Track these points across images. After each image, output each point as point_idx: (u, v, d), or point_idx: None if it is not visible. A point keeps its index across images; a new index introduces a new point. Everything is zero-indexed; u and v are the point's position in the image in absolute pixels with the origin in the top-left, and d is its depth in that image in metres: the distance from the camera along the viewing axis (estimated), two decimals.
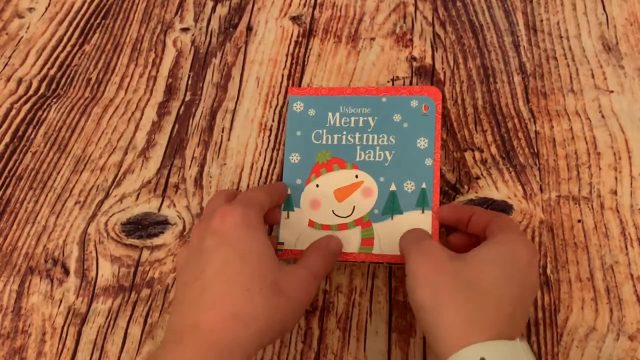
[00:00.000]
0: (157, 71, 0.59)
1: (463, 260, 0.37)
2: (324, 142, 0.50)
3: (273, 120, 0.55)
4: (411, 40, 0.59)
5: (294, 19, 0.61)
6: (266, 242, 0.38)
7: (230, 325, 0.35)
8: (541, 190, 0.50)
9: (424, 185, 0.47)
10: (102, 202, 0.52)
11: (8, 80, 0.58)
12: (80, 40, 0.61)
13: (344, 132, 0.50)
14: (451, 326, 0.35)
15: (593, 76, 0.55)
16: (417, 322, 0.45)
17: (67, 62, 0.60)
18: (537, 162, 0.51)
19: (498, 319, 0.35)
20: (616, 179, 0.50)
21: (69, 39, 0.61)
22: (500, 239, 0.39)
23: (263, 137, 0.54)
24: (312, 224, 0.48)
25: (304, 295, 0.39)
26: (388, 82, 0.56)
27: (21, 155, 0.54)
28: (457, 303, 0.35)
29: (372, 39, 0.59)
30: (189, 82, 0.58)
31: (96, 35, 0.61)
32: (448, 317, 0.35)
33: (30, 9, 0.64)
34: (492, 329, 0.34)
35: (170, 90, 0.57)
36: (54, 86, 0.58)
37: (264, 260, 0.37)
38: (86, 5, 0.63)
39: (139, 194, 0.52)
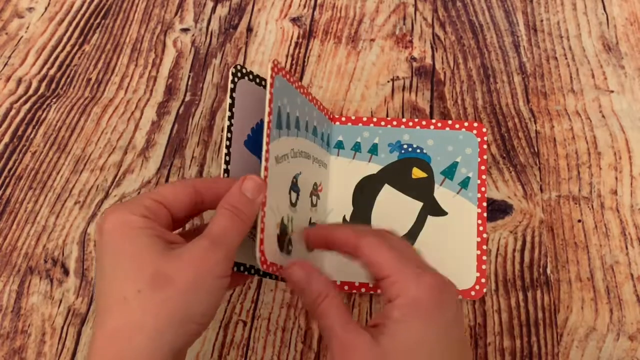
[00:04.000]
0: (157, 71, 0.59)
1: (387, 352, 0.32)
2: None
3: None
4: (411, 41, 0.59)
5: (294, 20, 0.61)
6: (146, 241, 0.33)
7: (112, 341, 0.32)
8: (541, 190, 0.50)
9: None
10: (102, 202, 0.52)
11: (8, 80, 0.58)
12: (80, 40, 0.61)
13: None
14: None
15: (593, 76, 0.55)
16: None
17: (67, 62, 0.59)
18: (538, 162, 0.51)
19: None
20: (616, 178, 0.50)
21: (69, 39, 0.61)
22: (410, 302, 0.32)
23: None
24: None
25: (204, 272, 0.33)
26: (388, 82, 0.56)
27: (21, 155, 0.54)
28: None
29: (372, 40, 0.59)
30: (189, 83, 0.58)
31: (96, 35, 0.61)
32: None
33: (30, 9, 0.64)
34: None
35: (170, 91, 0.57)
36: (53, 86, 0.58)
37: (140, 256, 0.33)
38: (86, 5, 0.63)
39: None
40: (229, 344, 0.46)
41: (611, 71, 0.55)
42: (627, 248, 0.47)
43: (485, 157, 0.49)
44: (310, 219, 0.46)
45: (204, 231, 0.34)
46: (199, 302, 0.32)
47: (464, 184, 0.48)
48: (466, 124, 0.51)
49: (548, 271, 0.47)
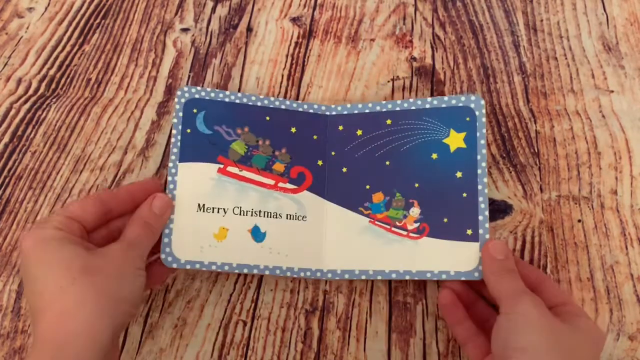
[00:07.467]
0: (157, 71, 0.59)
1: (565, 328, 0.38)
2: None
3: None
4: (411, 41, 0.59)
5: (294, 20, 0.61)
6: (67, 247, 0.38)
7: (58, 325, 0.36)
8: (541, 190, 0.50)
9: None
10: None
11: (7, 80, 0.58)
12: (80, 40, 0.61)
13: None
14: None
15: (593, 76, 0.55)
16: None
17: (66, 62, 0.59)
18: (538, 162, 0.51)
19: None
20: (616, 178, 0.50)
21: (69, 39, 0.61)
22: (584, 325, 0.38)
23: None
24: None
25: (125, 264, 0.39)
26: (388, 82, 0.56)
27: (20, 155, 0.54)
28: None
29: (372, 39, 0.59)
30: (189, 83, 0.58)
31: (96, 35, 0.61)
32: None
33: (30, 9, 0.64)
34: None
35: (170, 91, 0.57)
36: (53, 86, 0.58)
37: (66, 257, 0.38)
38: (86, 5, 0.63)
39: None
40: (229, 344, 0.46)
41: (611, 71, 0.55)
42: (627, 248, 0.47)
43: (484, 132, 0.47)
44: None
45: (120, 238, 0.41)
46: (126, 286, 0.39)
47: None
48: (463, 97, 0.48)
49: (548, 271, 0.47)
